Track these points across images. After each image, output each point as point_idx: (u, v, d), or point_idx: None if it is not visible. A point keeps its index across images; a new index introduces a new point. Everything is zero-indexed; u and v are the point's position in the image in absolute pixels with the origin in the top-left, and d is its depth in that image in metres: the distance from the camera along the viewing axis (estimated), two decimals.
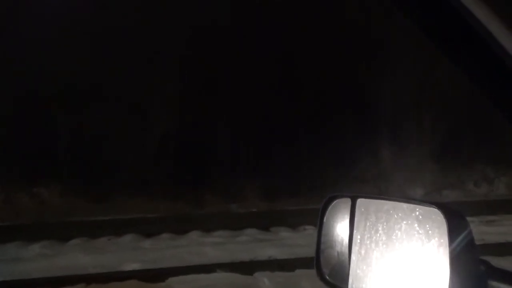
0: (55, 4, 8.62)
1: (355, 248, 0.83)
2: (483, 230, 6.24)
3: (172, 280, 4.68)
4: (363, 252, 0.81)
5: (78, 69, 8.64)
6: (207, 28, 9.27)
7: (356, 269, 0.81)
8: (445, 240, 0.65)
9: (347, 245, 0.86)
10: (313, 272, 0.91)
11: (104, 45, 8.79)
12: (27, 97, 8.68)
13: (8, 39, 8.35)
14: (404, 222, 0.74)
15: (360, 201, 0.84)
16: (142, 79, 9.08)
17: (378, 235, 0.78)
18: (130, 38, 8.91)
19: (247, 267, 4.96)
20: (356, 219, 0.84)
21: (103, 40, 8.81)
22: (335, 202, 0.90)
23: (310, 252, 0.92)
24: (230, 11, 9.32)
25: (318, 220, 0.90)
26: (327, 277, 0.88)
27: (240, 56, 9.20)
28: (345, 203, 0.88)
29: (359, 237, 0.82)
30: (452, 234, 0.64)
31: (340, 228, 0.89)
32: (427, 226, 0.70)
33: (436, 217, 0.68)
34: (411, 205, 0.73)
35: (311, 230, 6.58)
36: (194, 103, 9.48)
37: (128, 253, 5.77)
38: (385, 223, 0.77)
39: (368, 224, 0.81)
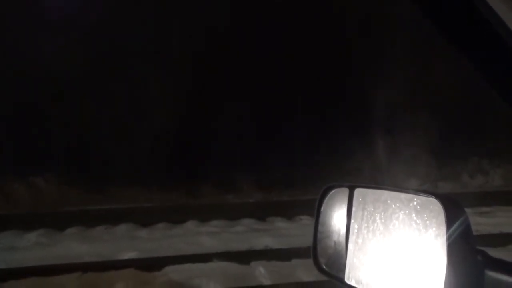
0: (55, 4, 8.54)
1: (352, 238, 0.83)
2: (478, 221, 6.29)
3: (168, 269, 4.69)
4: (360, 241, 0.81)
5: (78, 68, 8.58)
6: (207, 28, 9.21)
7: (353, 259, 0.81)
8: (442, 230, 0.65)
9: (344, 234, 0.85)
10: (308, 261, 0.91)
11: (104, 45, 8.75)
12: (25, 92, 8.62)
13: (7, 39, 8.28)
14: (402, 212, 0.73)
15: (358, 191, 0.84)
16: (142, 79, 9.06)
17: (376, 224, 0.78)
18: (130, 38, 8.86)
19: (244, 257, 4.98)
20: (353, 209, 0.84)
21: (103, 40, 8.75)
22: (332, 191, 0.90)
23: (305, 242, 0.92)
24: (230, 11, 9.26)
25: (315, 209, 0.90)
26: (324, 267, 0.89)
27: (240, 56, 9.18)
28: (343, 193, 0.87)
29: (356, 226, 0.82)
30: (450, 224, 0.64)
31: (338, 218, 0.89)
32: (425, 216, 0.70)
33: (434, 207, 0.68)
34: (409, 195, 0.73)
35: (306, 221, 6.62)
36: (193, 100, 9.45)
37: (125, 242, 5.78)
38: (382, 213, 0.77)
39: (365, 213, 0.81)
